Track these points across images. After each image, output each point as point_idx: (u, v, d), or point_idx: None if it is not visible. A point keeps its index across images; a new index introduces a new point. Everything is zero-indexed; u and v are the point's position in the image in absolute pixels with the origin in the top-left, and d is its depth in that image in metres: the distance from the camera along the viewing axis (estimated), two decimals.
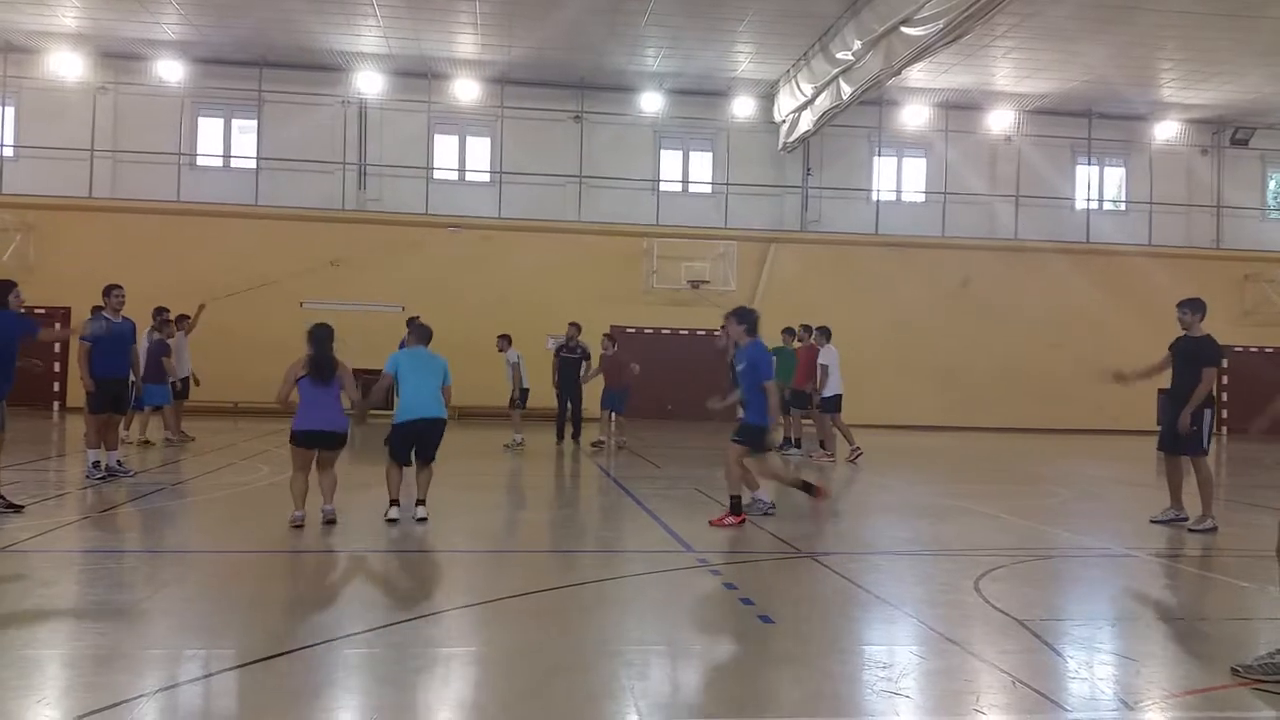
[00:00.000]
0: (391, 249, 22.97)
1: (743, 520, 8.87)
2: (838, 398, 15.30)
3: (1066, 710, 4.30)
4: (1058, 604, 6.67)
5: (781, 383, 16.71)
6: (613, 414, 16.58)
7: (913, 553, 8.13)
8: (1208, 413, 9.20)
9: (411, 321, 9.58)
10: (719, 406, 9.92)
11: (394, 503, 8.78)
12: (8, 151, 23.62)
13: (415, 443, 8.95)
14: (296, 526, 8.12)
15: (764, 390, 8.80)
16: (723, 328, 9.88)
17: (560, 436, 16.57)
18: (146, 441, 14.61)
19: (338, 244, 23.00)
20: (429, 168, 24.76)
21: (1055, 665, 4.98)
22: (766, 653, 5.10)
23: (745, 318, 9.17)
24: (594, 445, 16.20)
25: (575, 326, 16.63)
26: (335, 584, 6.78)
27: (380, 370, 9.05)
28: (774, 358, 9.30)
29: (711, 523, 8.87)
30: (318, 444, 8.35)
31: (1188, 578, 7.73)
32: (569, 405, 16.55)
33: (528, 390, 16.56)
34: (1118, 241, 25.86)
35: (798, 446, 16.38)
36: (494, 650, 5.10)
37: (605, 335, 17.01)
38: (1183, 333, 9.45)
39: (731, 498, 8.98)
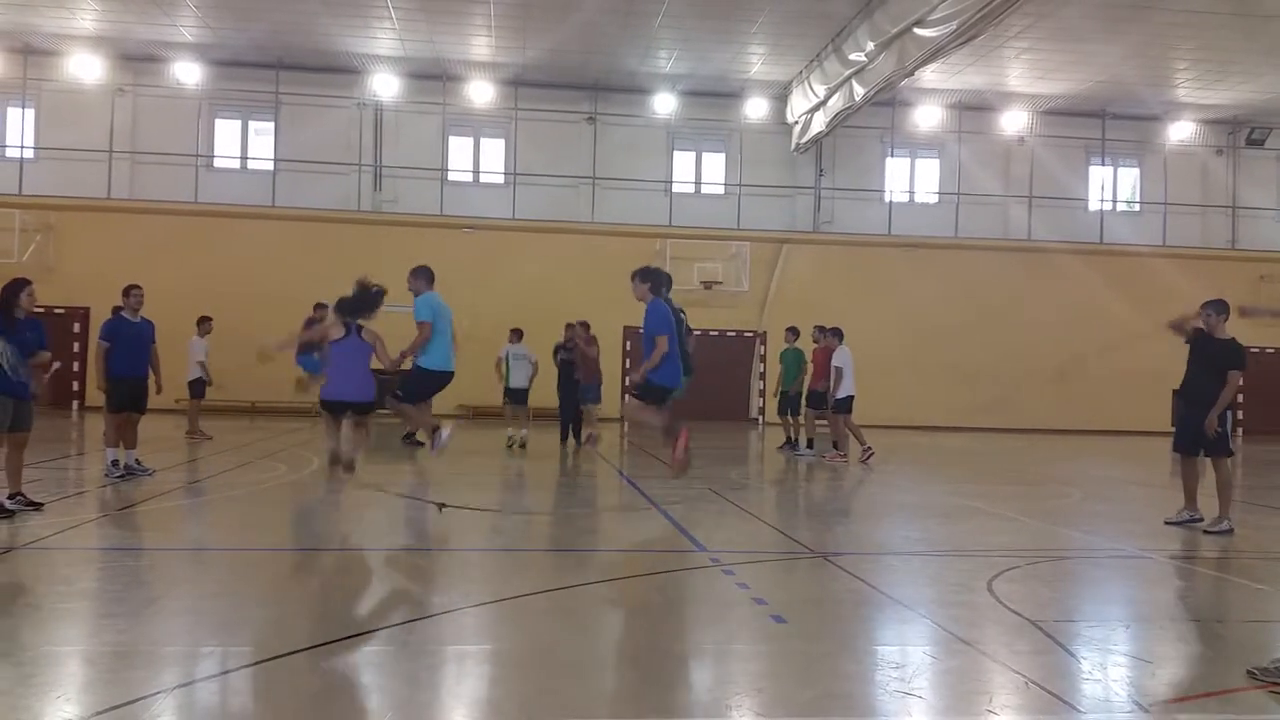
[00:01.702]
0: (406, 250, 23.02)
1: (685, 436, 8.82)
2: (849, 399, 15.29)
3: (1080, 711, 4.29)
4: (1071, 605, 6.66)
5: (794, 383, 16.86)
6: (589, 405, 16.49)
7: (926, 553, 8.12)
8: (1227, 414, 9.16)
9: (418, 269, 9.52)
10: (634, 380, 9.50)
11: (439, 427, 8.98)
12: (28, 153, 23.84)
13: (435, 393, 9.18)
14: (337, 464, 8.29)
15: (655, 344, 8.73)
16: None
17: (564, 437, 16.55)
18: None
19: (354, 245, 23.09)
20: (443, 169, 24.88)
21: (1069, 666, 4.97)
22: (779, 652, 5.11)
23: (649, 276, 9.13)
24: (585, 441, 16.17)
25: (571, 327, 16.58)
26: (351, 582, 6.82)
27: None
28: (682, 317, 9.11)
29: (675, 457, 8.88)
30: (347, 411, 8.50)
31: (1203, 579, 7.70)
32: (569, 407, 16.52)
33: (516, 390, 16.34)
34: (1132, 242, 25.77)
35: (810, 448, 16.34)
36: (509, 648, 5.13)
37: (569, 325, 16.67)
38: (1201, 331, 9.38)
39: (664, 432, 8.95)
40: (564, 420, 16.65)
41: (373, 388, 8.67)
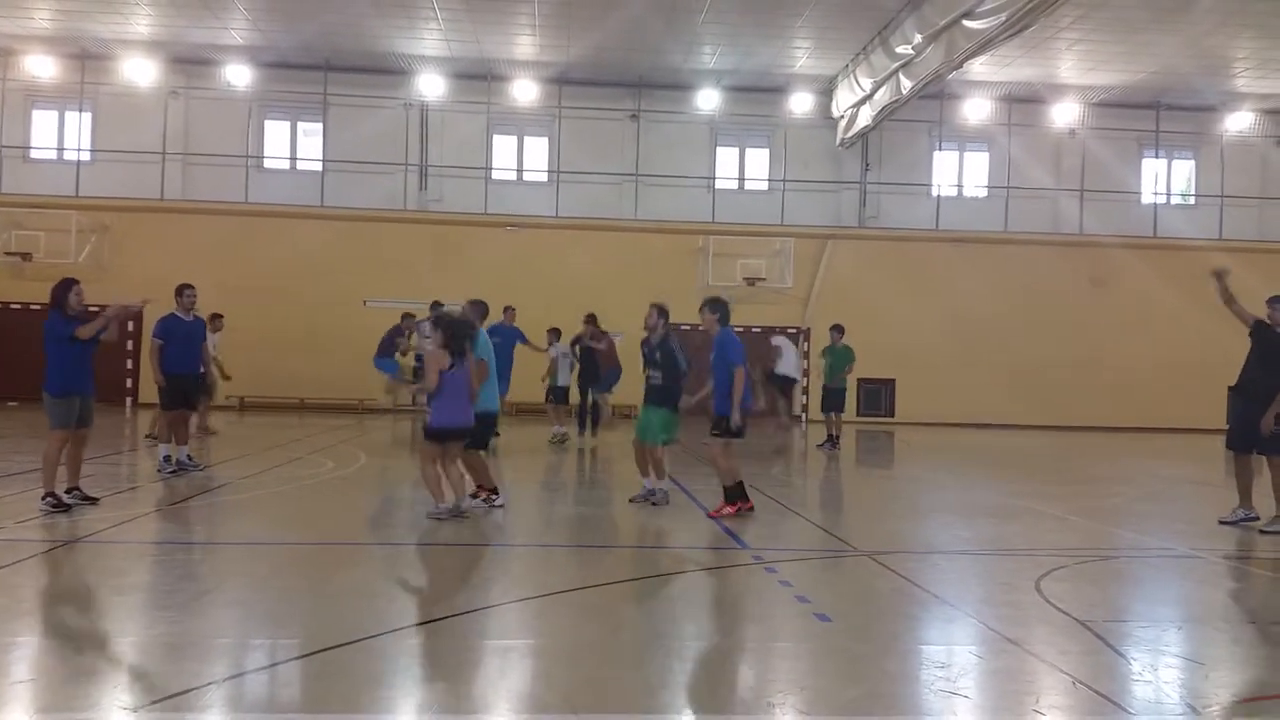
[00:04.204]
0: (452, 249, 23.28)
1: (737, 509, 8.91)
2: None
3: (1130, 713, 4.22)
4: (1121, 605, 6.54)
5: (836, 379, 16.85)
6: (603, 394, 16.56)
7: (972, 552, 8.03)
8: None
9: (475, 304, 9.61)
10: (691, 404, 9.61)
11: (495, 490, 9.12)
12: (84, 156, 24.39)
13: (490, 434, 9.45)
14: (450, 516, 8.36)
15: (732, 376, 8.81)
16: (650, 316, 9.76)
17: (581, 428, 16.63)
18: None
19: (400, 244, 23.40)
20: (488, 168, 25.04)
21: (1118, 667, 4.89)
22: (822, 650, 5.08)
23: (717, 307, 9.18)
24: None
25: (592, 321, 16.53)
26: (397, 576, 6.90)
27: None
28: (742, 345, 9.13)
29: (710, 514, 8.97)
30: (457, 439, 8.64)
31: (1259, 580, 7.52)
32: (588, 396, 16.61)
33: (562, 389, 16.53)
34: (1187, 236, 25.20)
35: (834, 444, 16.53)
36: (552, 643, 5.16)
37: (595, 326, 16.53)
38: (1267, 324, 9.16)
39: (725, 488, 9.02)
40: (580, 411, 16.77)
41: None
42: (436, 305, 15.13)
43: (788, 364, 16.09)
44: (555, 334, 16.69)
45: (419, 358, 15.38)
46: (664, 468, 9.73)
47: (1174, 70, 22.85)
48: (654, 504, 9.54)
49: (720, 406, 8.95)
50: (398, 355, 16.48)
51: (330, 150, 24.61)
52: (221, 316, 16.49)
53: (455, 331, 8.58)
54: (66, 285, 8.61)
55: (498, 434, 15.29)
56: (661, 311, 9.80)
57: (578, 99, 24.80)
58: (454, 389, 8.47)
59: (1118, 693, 4.48)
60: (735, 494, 9.00)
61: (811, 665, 4.85)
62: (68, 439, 8.46)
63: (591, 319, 16.36)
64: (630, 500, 9.77)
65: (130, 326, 22.23)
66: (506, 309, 15.67)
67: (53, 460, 8.36)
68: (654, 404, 9.54)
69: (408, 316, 16.83)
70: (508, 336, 14.96)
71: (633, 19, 20.44)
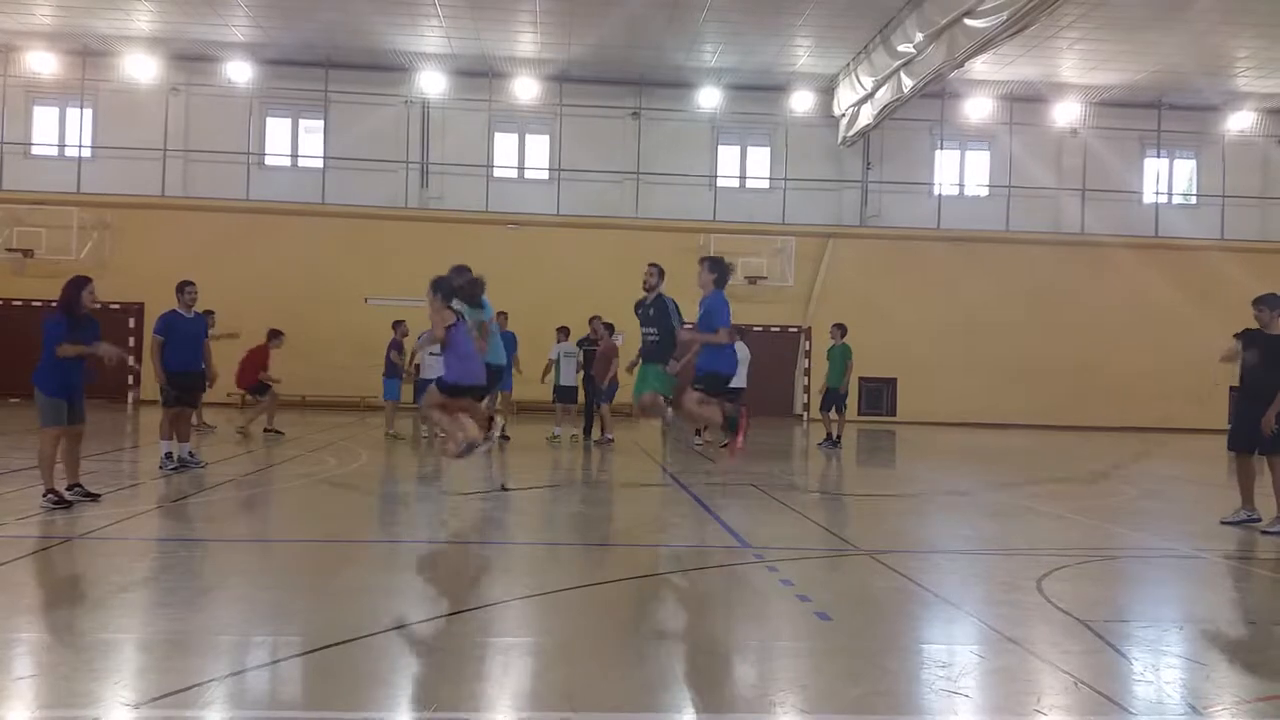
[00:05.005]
0: (453, 247, 23.24)
1: (742, 433, 9.01)
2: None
3: (1131, 713, 4.22)
4: (1123, 605, 6.54)
5: (841, 380, 16.81)
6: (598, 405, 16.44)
7: (974, 551, 8.02)
8: None
9: (457, 269, 9.72)
10: (674, 370, 9.59)
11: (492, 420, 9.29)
12: (86, 152, 24.38)
13: None
14: (465, 453, 8.49)
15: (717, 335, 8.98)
16: (650, 275, 10.03)
17: (587, 433, 16.56)
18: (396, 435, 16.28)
19: (401, 242, 23.40)
20: (489, 165, 25.04)
21: (1120, 667, 4.88)
22: (823, 649, 5.07)
23: (716, 267, 9.38)
24: (599, 442, 16.10)
25: (596, 320, 16.46)
26: (398, 573, 6.89)
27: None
28: (728, 307, 9.33)
29: (730, 456, 9.16)
30: (470, 395, 8.79)
31: (1260, 580, 7.51)
32: (592, 401, 16.53)
33: (567, 388, 16.46)
34: (1189, 235, 25.21)
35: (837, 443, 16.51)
36: (553, 641, 5.15)
37: (592, 319, 16.53)
38: (1253, 329, 9.20)
39: (721, 427, 9.10)
40: (587, 414, 16.72)
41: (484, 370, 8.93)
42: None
43: (741, 374, 15.38)
44: (564, 332, 16.65)
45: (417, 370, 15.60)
46: (610, 423, 9.84)
47: (1175, 69, 22.87)
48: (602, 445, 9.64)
49: (704, 363, 9.03)
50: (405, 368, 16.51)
51: (331, 147, 24.63)
52: (213, 313, 16.36)
53: (467, 289, 8.68)
54: (79, 284, 8.55)
55: (507, 437, 15.37)
56: (661, 272, 10.01)
57: (579, 97, 24.80)
58: (464, 346, 8.51)
59: (1119, 693, 4.48)
60: (732, 423, 9.02)
61: (812, 664, 4.85)
62: (61, 435, 8.43)
63: (609, 327, 16.33)
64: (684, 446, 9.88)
65: (131, 324, 22.27)
66: (499, 314, 15.46)
67: (48, 457, 8.34)
68: (651, 360, 9.58)
69: (399, 323, 16.79)
70: (504, 339, 14.86)
71: (634, 17, 20.46)
